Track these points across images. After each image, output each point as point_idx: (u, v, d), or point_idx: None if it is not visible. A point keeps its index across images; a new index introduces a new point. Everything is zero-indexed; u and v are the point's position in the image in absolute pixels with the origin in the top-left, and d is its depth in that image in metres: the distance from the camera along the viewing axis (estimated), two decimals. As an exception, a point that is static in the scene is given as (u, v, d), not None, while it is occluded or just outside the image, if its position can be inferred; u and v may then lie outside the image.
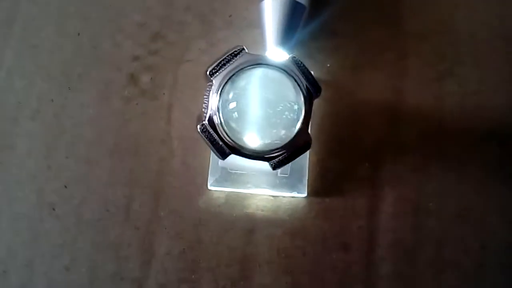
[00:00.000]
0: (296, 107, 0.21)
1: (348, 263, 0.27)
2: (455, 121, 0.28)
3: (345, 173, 0.28)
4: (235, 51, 0.21)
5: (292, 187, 0.27)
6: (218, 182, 0.28)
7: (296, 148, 0.22)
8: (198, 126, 0.21)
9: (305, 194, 0.27)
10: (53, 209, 0.28)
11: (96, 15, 0.31)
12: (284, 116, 0.21)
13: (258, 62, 0.21)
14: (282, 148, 0.21)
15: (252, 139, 0.21)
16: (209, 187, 0.28)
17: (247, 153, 0.21)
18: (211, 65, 0.21)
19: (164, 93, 0.29)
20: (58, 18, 0.31)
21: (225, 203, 0.28)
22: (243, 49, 0.21)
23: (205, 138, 0.21)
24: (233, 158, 0.26)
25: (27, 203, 0.28)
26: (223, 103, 0.21)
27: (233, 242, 0.27)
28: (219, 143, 0.21)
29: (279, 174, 0.27)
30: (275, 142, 0.21)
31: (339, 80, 0.29)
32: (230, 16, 0.30)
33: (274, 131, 0.21)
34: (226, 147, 0.21)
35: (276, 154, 0.21)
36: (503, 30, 0.30)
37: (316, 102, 0.23)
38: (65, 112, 0.29)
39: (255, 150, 0.21)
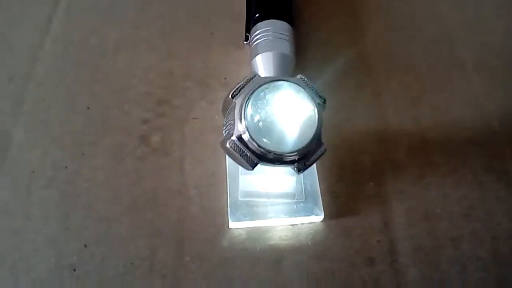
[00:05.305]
0: (310, 113, 0.24)
1: (377, 276, 0.28)
2: (435, 135, 0.32)
3: (354, 194, 0.30)
4: (250, 76, 0.25)
5: (309, 210, 0.29)
6: (239, 218, 0.29)
7: (314, 149, 0.24)
8: (228, 143, 0.23)
9: (322, 216, 0.29)
10: (74, 270, 0.27)
11: (103, 90, 0.34)
12: (301, 121, 0.24)
13: (273, 79, 0.24)
14: (303, 148, 0.23)
15: (277, 144, 0.23)
16: (230, 226, 0.29)
17: (273, 158, 0.23)
18: (232, 89, 0.24)
19: (174, 149, 0.32)
20: (67, 96, 0.34)
21: (248, 239, 0.29)
22: (257, 74, 0.25)
23: (236, 152, 0.23)
24: (254, 183, 0.28)
25: (45, 267, 0.27)
26: (249, 117, 0.23)
27: (263, 274, 0.28)
28: (247, 154, 0.23)
29: (295, 200, 0.29)
30: (297, 144, 0.23)
31: (325, 119, 0.33)
32: (225, 78, 0.35)
33: (295, 134, 0.24)
34: (255, 157, 0.23)
35: (297, 158, 0.24)
36: (455, 62, 0.36)
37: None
38: (80, 177, 0.30)
39: (280, 153, 0.23)
